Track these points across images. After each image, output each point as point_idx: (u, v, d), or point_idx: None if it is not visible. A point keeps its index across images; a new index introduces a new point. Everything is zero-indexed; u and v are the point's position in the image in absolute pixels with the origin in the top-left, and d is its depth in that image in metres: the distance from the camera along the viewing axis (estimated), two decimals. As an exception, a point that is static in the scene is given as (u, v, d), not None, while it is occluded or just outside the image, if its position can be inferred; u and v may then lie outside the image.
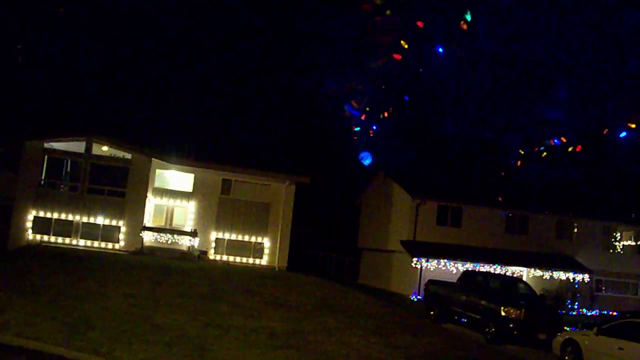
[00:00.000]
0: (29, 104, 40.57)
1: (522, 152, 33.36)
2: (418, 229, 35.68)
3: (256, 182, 35.42)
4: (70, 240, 32.18)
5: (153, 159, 33.29)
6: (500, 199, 35.39)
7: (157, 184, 34.14)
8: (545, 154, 31.76)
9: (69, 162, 33.09)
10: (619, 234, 40.09)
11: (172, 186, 34.58)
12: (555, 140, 30.72)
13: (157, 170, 34.06)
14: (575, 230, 38.87)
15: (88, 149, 32.78)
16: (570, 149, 30.37)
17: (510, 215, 37.38)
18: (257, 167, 35.07)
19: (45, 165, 32.79)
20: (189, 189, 34.54)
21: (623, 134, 26.40)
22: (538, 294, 24.57)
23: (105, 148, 33.35)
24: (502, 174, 38.12)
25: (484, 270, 32.82)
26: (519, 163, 33.64)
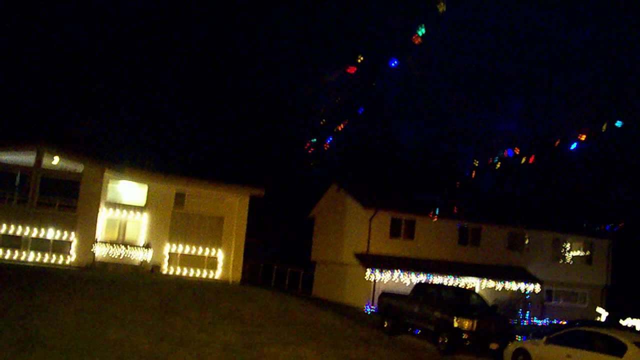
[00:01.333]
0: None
1: (476, 164, 33.82)
2: (372, 241, 35.79)
3: (210, 195, 35.26)
4: (19, 255, 31.52)
5: (105, 171, 32.87)
6: (455, 210, 35.74)
7: (109, 197, 33.75)
8: (499, 165, 32.24)
9: (18, 175, 32.48)
10: (568, 245, 40.88)
11: (124, 199, 34.22)
12: (509, 151, 31.20)
13: (110, 183, 33.67)
14: (527, 241, 39.48)
15: (38, 160, 32.20)
16: (523, 160, 30.86)
17: (464, 226, 37.81)
18: (210, 180, 34.97)
19: (-8, 177, 32.14)
20: (142, 202, 34.22)
21: (574, 146, 26.95)
22: (490, 304, 24.87)
23: (55, 160, 32.80)
24: (457, 184, 38.56)
25: (437, 282, 33.12)
26: (473, 174, 34.06)
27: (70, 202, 32.55)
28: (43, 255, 31.85)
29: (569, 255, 41.09)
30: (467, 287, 33.58)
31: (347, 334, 20.71)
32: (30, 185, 32.06)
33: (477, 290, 32.29)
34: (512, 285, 36.49)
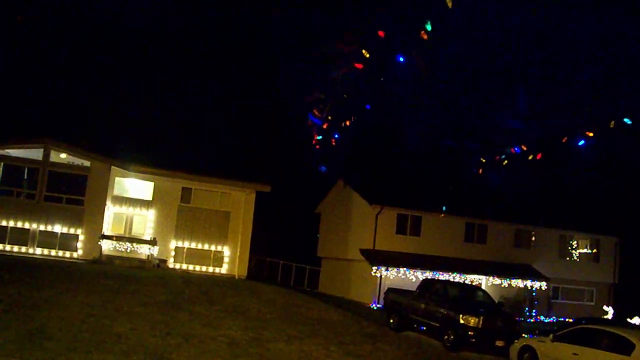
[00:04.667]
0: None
1: (484, 160, 33.78)
2: (378, 238, 35.82)
3: (216, 190, 35.27)
4: (27, 249, 31.65)
5: (112, 166, 32.94)
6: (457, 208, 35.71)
7: (116, 192, 33.79)
8: (506, 162, 32.17)
9: (26, 170, 32.58)
10: (575, 242, 40.78)
11: (131, 194, 34.26)
12: (516, 149, 31.11)
13: (117, 178, 33.72)
14: (533, 238, 39.43)
15: (46, 156, 32.31)
16: (530, 157, 30.78)
17: (469, 223, 37.76)
18: (217, 176, 34.93)
19: (0, 172, 32.23)
20: (149, 197, 34.25)
21: (581, 143, 26.89)
22: (497, 301, 24.86)
23: (63, 155, 32.90)
24: (462, 182, 38.49)
25: (443, 278, 33.08)
26: (480, 171, 34.04)
27: (78, 196, 32.65)
28: (50, 249, 31.98)
29: (575, 253, 41.00)
30: (473, 284, 33.57)
31: (352, 330, 20.71)
32: (38, 180, 32.17)
33: (483, 287, 32.21)
34: (518, 283, 36.49)
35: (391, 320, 24.63)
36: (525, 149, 30.52)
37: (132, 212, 34.01)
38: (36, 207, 32.00)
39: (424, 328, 23.05)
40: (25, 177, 32.62)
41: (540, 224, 39.41)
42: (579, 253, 41.13)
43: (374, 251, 35.39)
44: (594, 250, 41.21)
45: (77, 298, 18.25)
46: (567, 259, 40.45)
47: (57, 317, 15.35)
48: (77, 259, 31.94)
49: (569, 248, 40.68)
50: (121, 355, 12.77)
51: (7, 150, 32.46)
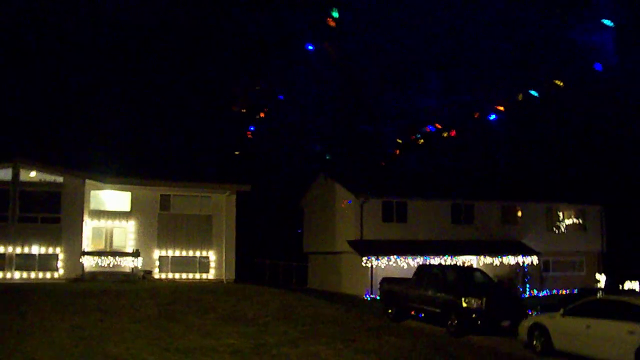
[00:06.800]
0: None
1: (400, 141, 33.87)
2: (365, 228, 35.29)
3: (196, 194, 34.53)
4: (4, 274, 30.53)
5: (86, 180, 31.94)
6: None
7: (92, 206, 32.87)
8: (422, 141, 32.26)
9: (-4, 191, 31.47)
10: (561, 214, 40.55)
11: (109, 207, 33.38)
12: (430, 127, 31.20)
13: (92, 192, 32.82)
14: (520, 214, 39.18)
15: (15, 175, 31.20)
16: (445, 134, 30.91)
17: (455, 204, 37.41)
18: (194, 180, 34.31)
19: (-31, 196, 31.10)
20: (127, 208, 33.41)
21: (493, 117, 27.05)
22: (495, 281, 24.37)
23: (33, 173, 31.77)
24: (382, 164, 38.39)
25: (435, 262, 32.64)
26: (397, 152, 34.12)
27: (53, 214, 31.60)
28: (29, 272, 30.91)
29: (562, 224, 40.79)
30: (466, 265, 33.19)
31: (353, 325, 20.03)
32: (10, 201, 31.04)
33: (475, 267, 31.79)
34: (509, 259, 36.18)
35: (389, 311, 23.99)
36: (439, 127, 30.65)
37: (112, 224, 33.12)
38: (10, 229, 30.89)
39: (423, 315, 22.44)
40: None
41: (526, 199, 39.19)
42: (566, 224, 40.92)
43: (362, 241, 34.83)
44: (580, 220, 41.05)
45: (65, 321, 17.37)
46: (555, 231, 40.23)
47: (47, 343, 14.47)
48: (59, 279, 30.96)
49: (556, 220, 40.45)
50: (120, 378, 11.98)
51: (-27, 173, 31.31)
